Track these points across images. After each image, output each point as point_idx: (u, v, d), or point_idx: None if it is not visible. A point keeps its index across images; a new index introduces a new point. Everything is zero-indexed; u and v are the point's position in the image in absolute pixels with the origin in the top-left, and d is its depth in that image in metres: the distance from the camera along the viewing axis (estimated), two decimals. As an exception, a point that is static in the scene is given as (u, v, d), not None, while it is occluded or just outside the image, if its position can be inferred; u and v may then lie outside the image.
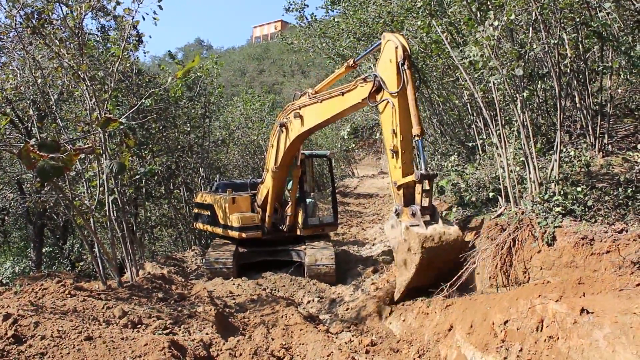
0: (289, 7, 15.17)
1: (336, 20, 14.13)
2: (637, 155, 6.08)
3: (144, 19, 6.89)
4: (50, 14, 6.48)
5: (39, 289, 5.65)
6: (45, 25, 6.33)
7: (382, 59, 6.82)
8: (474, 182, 8.06)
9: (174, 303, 6.31)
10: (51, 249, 16.51)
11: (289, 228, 10.39)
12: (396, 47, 6.49)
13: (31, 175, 12.24)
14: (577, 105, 7.71)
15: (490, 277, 6.15)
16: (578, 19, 6.53)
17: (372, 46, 7.90)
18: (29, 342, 3.93)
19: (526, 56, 6.38)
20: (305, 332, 6.11)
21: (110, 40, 11.44)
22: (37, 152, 2.58)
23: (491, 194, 7.33)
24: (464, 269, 6.37)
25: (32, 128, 10.12)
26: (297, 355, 5.63)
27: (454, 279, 6.27)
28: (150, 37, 15.05)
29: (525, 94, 6.43)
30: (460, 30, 8.67)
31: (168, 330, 5.05)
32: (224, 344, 5.21)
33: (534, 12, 6.17)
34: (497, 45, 6.26)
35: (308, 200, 10.65)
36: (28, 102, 9.19)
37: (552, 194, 5.98)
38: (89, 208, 6.78)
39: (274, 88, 50.93)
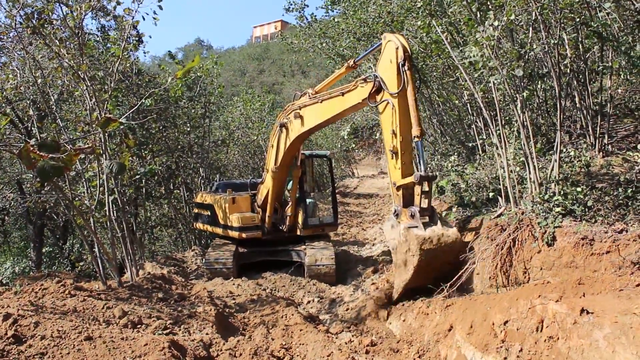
0: (289, 7, 15.18)
1: (336, 20, 14.13)
2: (637, 156, 6.08)
3: (144, 19, 6.89)
4: (50, 14, 6.48)
5: (39, 289, 5.65)
6: (45, 25, 6.33)
7: (382, 59, 6.82)
8: (474, 182, 8.06)
9: (174, 303, 6.31)
10: (51, 249, 16.51)
11: (289, 228, 10.39)
12: (397, 48, 6.48)
13: (31, 175, 12.24)
14: (577, 105, 7.71)
15: (490, 277, 6.15)
16: (578, 19, 6.53)
17: (373, 47, 7.90)
18: (29, 342, 3.93)
19: (526, 56, 6.38)
20: (305, 332, 6.11)
21: (110, 40, 11.44)
22: (37, 152, 2.58)
23: (491, 194, 7.33)
24: (464, 269, 6.38)
25: (32, 128, 10.12)
26: (297, 355, 5.62)
27: (453, 279, 6.27)
28: (150, 37, 15.04)
29: (525, 94, 6.43)
30: (460, 31, 8.67)
31: (168, 331, 5.05)
32: (224, 344, 5.21)
33: (534, 12, 6.17)
34: (497, 45, 6.26)
35: (308, 201, 10.65)
36: (28, 102, 9.20)
37: (552, 194, 5.98)
38: (89, 208, 6.78)
39: (274, 88, 50.93)
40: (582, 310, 3.71)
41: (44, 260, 15.50)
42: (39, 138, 7.18)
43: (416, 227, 6.31)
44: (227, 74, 55.18)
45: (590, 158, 6.54)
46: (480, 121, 8.71)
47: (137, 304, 5.80)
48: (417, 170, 6.47)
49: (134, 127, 11.31)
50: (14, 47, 8.12)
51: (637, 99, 8.96)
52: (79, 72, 6.52)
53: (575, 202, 5.71)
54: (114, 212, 7.23)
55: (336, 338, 6.40)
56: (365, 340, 6.04)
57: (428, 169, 6.41)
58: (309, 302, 8.53)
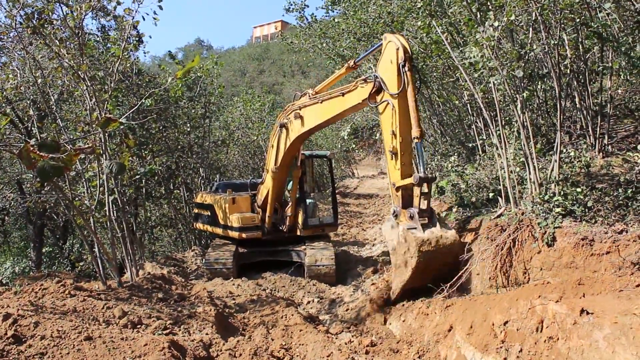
0: (289, 8, 15.17)
1: (336, 20, 14.12)
2: (637, 156, 6.08)
3: (144, 19, 6.90)
4: (50, 14, 6.48)
5: (39, 289, 5.65)
6: (46, 25, 6.34)
7: (382, 60, 6.81)
8: (474, 183, 8.06)
9: (173, 303, 6.31)
10: (51, 249, 16.52)
11: (289, 228, 10.39)
12: (397, 49, 6.47)
13: (31, 175, 12.24)
14: (577, 105, 7.71)
15: (490, 278, 6.15)
16: (578, 20, 6.53)
17: (373, 47, 7.90)
18: (29, 342, 3.93)
19: (526, 57, 6.37)
20: (305, 332, 6.11)
21: (111, 41, 11.45)
22: (37, 152, 2.58)
23: (491, 195, 7.33)
24: (464, 269, 6.38)
25: (32, 128, 10.12)
26: (297, 355, 5.62)
27: (453, 280, 6.27)
28: (151, 37, 15.05)
29: (525, 95, 6.43)
30: (461, 31, 8.67)
31: (168, 331, 5.05)
32: (223, 344, 5.21)
33: (534, 13, 6.17)
34: (497, 45, 6.25)
35: (308, 201, 10.65)
36: (28, 102, 9.20)
37: (552, 194, 5.98)
38: (89, 208, 6.78)
39: (274, 88, 50.94)
40: (582, 311, 3.71)
41: (44, 260, 15.50)
42: (39, 138, 7.18)
43: (415, 228, 6.32)
44: (227, 74, 55.20)
45: (590, 158, 6.54)
46: (480, 121, 8.71)
47: (137, 304, 5.80)
48: (417, 172, 6.47)
49: (134, 127, 11.31)
50: (14, 47, 8.13)
51: (637, 99, 8.96)
52: (79, 72, 6.52)
53: (575, 202, 5.71)
54: (114, 212, 7.23)
55: (336, 338, 6.40)
56: (365, 341, 6.05)
57: (427, 170, 6.41)
58: (308, 302, 8.54)
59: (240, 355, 5.13)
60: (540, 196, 6.00)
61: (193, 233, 14.28)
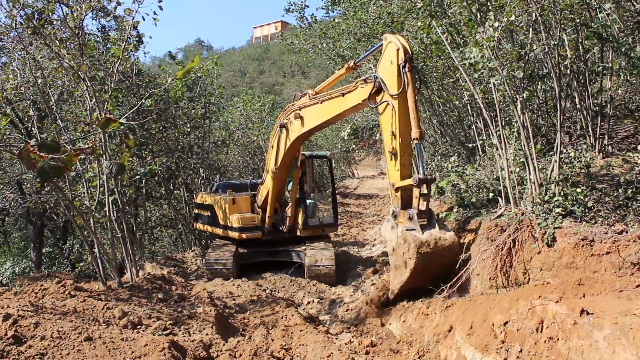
0: (289, 8, 15.17)
1: (336, 20, 14.12)
2: (637, 156, 6.08)
3: (144, 19, 6.90)
4: (50, 14, 6.49)
5: (39, 290, 5.65)
6: (46, 26, 6.34)
7: (383, 60, 6.81)
8: (474, 183, 8.06)
9: (174, 304, 6.31)
10: (51, 250, 16.53)
11: (289, 229, 10.39)
12: (397, 49, 6.46)
13: (31, 176, 12.24)
14: (577, 106, 7.71)
15: (490, 278, 6.15)
16: (578, 20, 6.53)
17: (373, 47, 7.90)
18: (29, 343, 3.93)
19: (526, 57, 6.38)
20: (305, 333, 6.11)
21: (111, 41, 11.45)
22: (37, 152, 2.58)
23: (491, 195, 7.33)
24: (464, 270, 6.37)
25: (32, 128, 10.13)
26: (297, 356, 5.62)
27: (453, 280, 6.27)
28: (151, 37, 15.09)
29: (525, 95, 6.43)
30: (461, 31, 8.66)
31: (168, 331, 5.05)
32: (223, 344, 5.21)
33: (534, 13, 6.17)
34: (497, 46, 6.25)
35: (308, 201, 10.65)
36: (28, 102, 9.21)
37: (552, 194, 5.97)
38: (89, 208, 6.78)
39: (274, 89, 50.94)
40: (582, 311, 3.71)
41: (44, 260, 15.52)
42: (39, 138, 7.18)
43: (414, 229, 6.33)
44: (227, 75, 55.20)
45: (590, 159, 6.54)
46: (480, 122, 8.71)
47: (137, 304, 5.80)
48: (417, 172, 6.47)
49: (134, 127, 11.31)
50: (14, 48, 8.13)
51: (637, 99, 8.96)
52: (79, 73, 6.52)
53: (575, 203, 5.71)
54: (114, 212, 7.23)
55: (336, 339, 6.40)
56: (365, 341, 6.04)
57: (427, 171, 6.41)
58: (309, 302, 8.53)
59: (241, 355, 5.13)
60: (540, 196, 6.00)
61: (193, 233, 14.28)
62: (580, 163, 6.37)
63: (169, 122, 13.73)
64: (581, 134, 7.80)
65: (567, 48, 6.71)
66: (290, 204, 10.30)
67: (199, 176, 15.55)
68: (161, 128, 13.26)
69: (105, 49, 11.19)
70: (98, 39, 12.25)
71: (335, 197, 11.67)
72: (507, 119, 7.40)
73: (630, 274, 4.46)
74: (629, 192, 5.52)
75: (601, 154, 7.19)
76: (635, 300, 3.71)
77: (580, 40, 6.89)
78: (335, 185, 16.14)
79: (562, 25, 6.52)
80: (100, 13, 11.40)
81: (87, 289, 6.09)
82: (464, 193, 8.06)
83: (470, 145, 10.06)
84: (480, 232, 6.78)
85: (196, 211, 12.41)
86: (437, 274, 6.42)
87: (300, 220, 10.29)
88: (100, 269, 6.63)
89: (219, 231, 10.94)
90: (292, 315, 6.73)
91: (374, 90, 6.87)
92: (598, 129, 7.26)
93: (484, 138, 8.70)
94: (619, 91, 9.10)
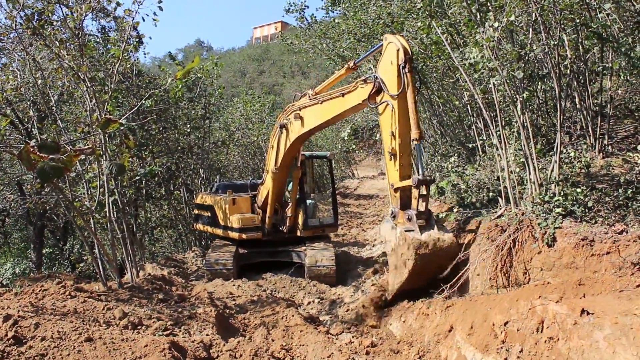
0: (289, 9, 15.17)
1: (336, 21, 14.13)
2: (637, 156, 6.08)
3: (144, 20, 6.90)
4: (50, 15, 6.49)
5: (39, 290, 5.65)
6: (46, 27, 6.34)
7: (383, 60, 6.81)
8: (474, 183, 8.05)
9: (174, 304, 6.30)
10: (51, 250, 16.54)
11: (289, 229, 10.39)
12: (398, 50, 6.46)
13: (31, 177, 12.25)
14: (577, 106, 7.71)
15: (490, 278, 6.14)
16: (578, 20, 6.53)
17: (374, 48, 7.89)
18: (29, 344, 3.93)
19: (526, 57, 6.37)
20: (305, 333, 6.11)
21: (111, 42, 11.45)
22: (38, 153, 2.58)
23: (491, 195, 7.33)
24: (464, 270, 6.38)
25: (33, 129, 10.13)
26: (298, 356, 5.63)
27: (454, 280, 6.27)
28: (151, 38, 15.12)
29: (525, 95, 6.43)
30: (461, 32, 8.66)
31: (168, 332, 5.05)
32: (224, 345, 5.21)
33: (534, 13, 6.17)
34: (497, 46, 6.25)
35: (308, 202, 10.65)
36: (28, 103, 9.21)
37: (552, 195, 5.97)
38: (89, 209, 6.78)
39: (274, 89, 50.98)
40: (583, 311, 3.71)
41: (44, 261, 15.52)
42: (39, 139, 7.18)
43: (412, 230, 6.33)
44: (227, 75, 55.22)
45: (590, 159, 6.54)
46: (480, 122, 8.71)
47: (137, 305, 5.80)
48: (416, 173, 6.47)
49: (134, 128, 11.32)
50: (14, 48, 8.14)
51: (637, 99, 8.96)
52: (79, 73, 6.52)
53: (575, 203, 5.71)
54: (114, 213, 7.23)
55: (336, 339, 6.40)
56: (366, 342, 6.04)
57: (426, 172, 6.42)
58: (309, 303, 8.53)
59: (241, 356, 5.13)
60: (541, 196, 6.00)
61: (193, 234, 14.29)
62: (580, 163, 6.37)
63: (169, 122, 13.73)
64: (581, 134, 7.80)
65: (567, 48, 6.71)
66: (290, 204, 10.30)
67: (199, 177, 15.56)
68: (161, 129, 13.26)
69: (105, 49, 11.18)
70: (98, 40, 12.26)
71: (336, 197, 11.67)
72: (507, 119, 7.40)
73: (631, 274, 4.46)
74: (629, 192, 5.52)
75: (601, 154, 7.19)
76: (636, 300, 3.71)
77: (580, 40, 6.89)
78: (336, 186, 16.14)
79: (562, 25, 6.52)
80: (100, 14, 11.41)
81: (88, 289, 6.09)
82: (464, 193, 8.06)
83: (470, 146, 10.06)
84: (480, 232, 6.77)
85: (196, 212, 12.41)
86: (435, 274, 6.42)
87: (300, 220, 10.29)
88: (101, 269, 6.63)
89: (219, 232, 10.94)
90: (293, 316, 6.73)
91: (373, 91, 6.87)
92: (598, 129, 7.26)
93: (484, 138, 8.70)
94: (619, 91, 9.10)
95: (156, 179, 13.24)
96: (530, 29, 6.75)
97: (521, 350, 4.15)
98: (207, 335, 5.33)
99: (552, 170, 6.29)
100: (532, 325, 4.15)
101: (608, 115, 7.41)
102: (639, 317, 3.37)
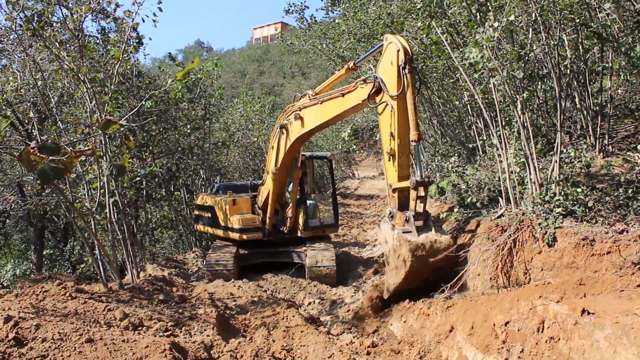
0: (289, 9, 15.19)
1: (336, 21, 14.14)
2: (638, 156, 6.08)
3: (143, 21, 6.90)
4: (50, 16, 6.49)
5: (40, 292, 5.65)
6: (46, 28, 6.34)
7: (383, 60, 6.80)
8: (474, 183, 8.06)
9: (174, 305, 6.30)
10: (52, 251, 16.54)
11: (289, 229, 10.39)
12: (398, 50, 6.45)
13: (32, 178, 12.25)
14: (577, 106, 7.71)
15: (491, 278, 6.14)
16: (578, 20, 6.53)
17: (374, 48, 7.89)
18: (30, 345, 3.93)
19: (526, 57, 6.37)
20: (306, 333, 6.10)
21: (111, 43, 11.45)
22: (38, 154, 2.59)
23: (492, 195, 7.33)
24: (465, 270, 6.38)
25: (33, 130, 10.13)
26: (298, 357, 5.62)
27: (454, 280, 6.27)
28: (150, 39, 15.14)
29: (525, 95, 6.43)
30: (460, 32, 8.67)
31: (169, 332, 5.05)
32: (225, 345, 5.20)
33: (533, 13, 6.17)
34: (497, 46, 6.25)
35: (309, 202, 10.65)
36: (28, 104, 9.20)
37: (552, 194, 5.98)
38: (90, 210, 6.78)
39: (274, 89, 51.01)
40: (583, 311, 3.70)
41: (45, 262, 15.52)
42: (39, 140, 7.17)
43: (410, 232, 6.34)
44: (227, 76, 55.27)
45: (590, 159, 6.54)
46: (480, 122, 8.71)
47: (138, 306, 5.80)
48: (415, 173, 6.47)
49: (134, 129, 11.32)
50: (14, 50, 8.14)
51: (637, 99, 8.96)
52: (79, 74, 6.52)
53: (575, 202, 5.71)
54: (115, 214, 7.22)
55: (337, 339, 6.40)
56: (366, 342, 6.04)
57: (424, 173, 6.42)
58: (309, 303, 8.53)
59: (242, 356, 5.13)
60: (541, 196, 6.00)
61: (194, 235, 14.29)
62: (580, 163, 6.37)
63: (169, 123, 13.73)
64: (581, 134, 7.80)
65: (567, 48, 6.71)
66: (290, 204, 10.30)
67: (199, 177, 15.56)
68: (161, 129, 13.27)
69: (105, 50, 11.19)
70: (98, 41, 12.27)
71: (336, 197, 11.67)
72: (507, 119, 7.40)
73: (631, 273, 4.46)
74: (630, 191, 5.52)
75: (601, 153, 7.19)
76: (636, 300, 3.71)
77: (580, 40, 6.89)
78: (336, 186, 16.14)
79: (562, 25, 6.52)
80: (100, 15, 11.41)
81: (88, 290, 6.09)
82: (465, 193, 8.06)
83: (470, 146, 10.07)
84: (480, 232, 6.77)
85: (197, 212, 12.40)
86: (432, 275, 6.44)
87: (300, 221, 10.28)
88: (101, 270, 6.63)
89: (220, 232, 10.94)
90: (293, 316, 6.73)
91: (373, 91, 6.87)
92: (598, 129, 7.26)
93: (484, 138, 8.71)
94: (619, 91, 9.11)
95: (156, 179, 13.24)
96: (530, 29, 6.75)
97: (522, 350, 4.15)
98: (208, 336, 5.33)
99: (553, 170, 6.29)
100: (532, 325, 4.15)
101: (608, 115, 7.41)
102: (640, 316, 3.37)
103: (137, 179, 10.84)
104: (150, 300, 6.24)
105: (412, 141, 6.42)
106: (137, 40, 7.66)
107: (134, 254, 7.68)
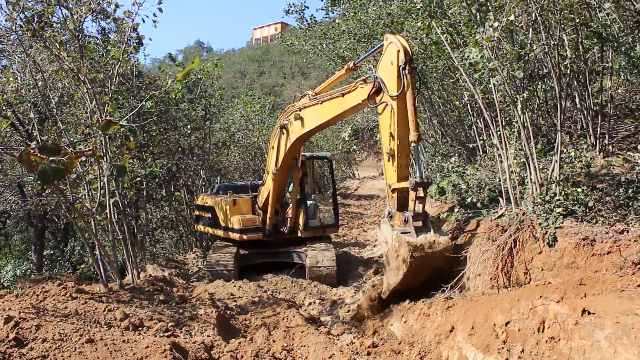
0: (289, 9, 15.19)
1: (336, 21, 14.14)
2: (638, 156, 6.08)
3: (144, 21, 6.91)
4: (50, 16, 6.49)
5: (41, 292, 5.65)
6: (46, 28, 6.34)
7: (383, 60, 6.81)
8: (474, 183, 8.06)
9: (175, 305, 6.30)
10: (52, 252, 16.55)
11: (289, 230, 10.39)
12: (398, 51, 6.45)
13: (32, 178, 12.24)
14: (578, 105, 7.71)
15: (491, 278, 6.14)
16: (578, 20, 6.53)
17: (374, 48, 7.89)
18: (31, 345, 3.93)
19: (526, 57, 6.37)
20: (306, 334, 6.10)
21: (111, 43, 11.46)
22: (38, 154, 2.59)
23: (492, 195, 7.33)
24: (465, 270, 6.38)
25: (33, 131, 10.12)
26: (299, 357, 5.62)
27: (455, 280, 6.27)
28: (151, 39, 15.15)
29: (525, 95, 6.44)
30: (460, 32, 8.67)
31: (169, 333, 5.05)
32: (225, 346, 5.21)
33: (533, 13, 6.17)
34: (497, 46, 6.25)
35: (309, 202, 10.65)
36: (29, 104, 9.20)
37: (552, 194, 5.97)
38: (90, 210, 6.78)
39: (274, 90, 51.00)
40: (584, 311, 3.70)
41: (45, 262, 15.52)
42: (39, 141, 7.17)
43: (408, 232, 6.34)
44: (227, 76, 55.28)
45: (590, 158, 6.54)
46: (480, 122, 8.71)
47: (138, 306, 5.80)
48: (413, 175, 6.48)
49: (134, 129, 11.32)
50: (14, 50, 8.14)
51: (638, 99, 8.96)
52: (80, 75, 6.52)
53: (576, 202, 5.71)
54: (115, 214, 7.22)
55: (337, 340, 6.40)
56: (367, 342, 6.04)
57: (424, 174, 6.42)
58: (310, 303, 8.53)
59: (242, 357, 5.13)
60: (541, 196, 6.00)
61: (194, 235, 14.29)
62: (580, 163, 6.37)
63: (170, 124, 13.73)
64: (581, 134, 7.80)
65: (567, 48, 6.71)
66: (291, 205, 10.30)
67: (199, 178, 15.56)
68: (162, 130, 13.26)
69: (105, 51, 11.19)
70: (98, 42, 12.27)
71: (336, 197, 11.67)
72: (508, 119, 7.40)
73: (632, 273, 4.46)
74: (630, 191, 5.52)
75: (602, 153, 7.19)
76: (637, 300, 3.71)
77: (580, 40, 6.89)
78: (336, 186, 16.14)
79: (562, 25, 6.52)
80: (100, 15, 11.43)
81: (89, 291, 6.09)
82: (465, 193, 8.06)
83: (470, 146, 10.07)
84: (481, 232, 6.77)
85: (197, 213, 12.40)
86: (430, 276, 6.44)
87: (301, 221, 10.28)
88: (102, 270, 6.63)
89: (220, 233, 10.94)
90: (294, 317, 6.73)
91: (373, 91, 6.87)
92: (598, 129, 7.26)
93: (485, 138, 8.71)
94: (619, 90, 9.11)
95: (157, 180, 13.24)
96: (530, 29, 6.75)
97: (522, 350, 4.15)
98: (208, 336, 5.33)
99: (553, 170, 6.29)
100: (533, 325, 4.15)
101: (608, 115, 7.41)
102: (640, 316, 3.37)
103: (138, 179, 10.83)
104: (151, 301, 6.24)
105: (411, 142, 6.42)
106: (137, 41, 7.65)
107: (134, 254, 7.68)
